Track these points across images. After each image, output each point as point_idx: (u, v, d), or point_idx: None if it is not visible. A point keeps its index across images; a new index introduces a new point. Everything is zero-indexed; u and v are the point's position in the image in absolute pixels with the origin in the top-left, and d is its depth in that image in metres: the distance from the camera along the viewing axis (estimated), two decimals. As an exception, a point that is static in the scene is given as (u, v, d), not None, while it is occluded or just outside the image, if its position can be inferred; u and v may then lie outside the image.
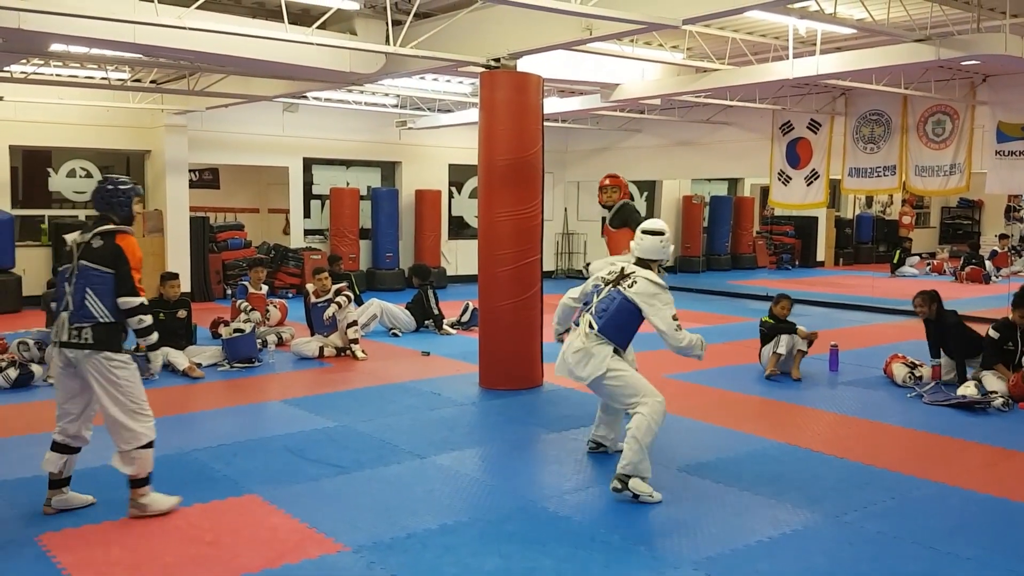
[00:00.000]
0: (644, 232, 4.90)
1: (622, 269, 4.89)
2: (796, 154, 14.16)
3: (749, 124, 14.73)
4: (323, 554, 3.86)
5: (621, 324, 4.80)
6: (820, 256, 20.91)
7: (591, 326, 4.80)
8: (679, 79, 10.65)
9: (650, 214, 19.95)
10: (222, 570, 3.68)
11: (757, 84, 10.12)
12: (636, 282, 4.76)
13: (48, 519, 4.24)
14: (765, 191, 17.22)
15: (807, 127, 13.97)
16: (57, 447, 4.28)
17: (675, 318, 4.75)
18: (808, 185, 14.04)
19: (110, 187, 4.38)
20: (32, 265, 12.17)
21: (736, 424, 6.25)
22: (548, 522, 4.28)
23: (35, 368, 7.36)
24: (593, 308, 4.86)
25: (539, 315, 7.44)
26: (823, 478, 5.07)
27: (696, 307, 13.33)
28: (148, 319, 4.29)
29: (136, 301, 4.21)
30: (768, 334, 8.07)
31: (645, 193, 19.73)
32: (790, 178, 14.32)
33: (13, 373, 7.16)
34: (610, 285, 4.85)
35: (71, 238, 4.40)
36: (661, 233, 4.91)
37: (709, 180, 20.57)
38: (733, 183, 21.48)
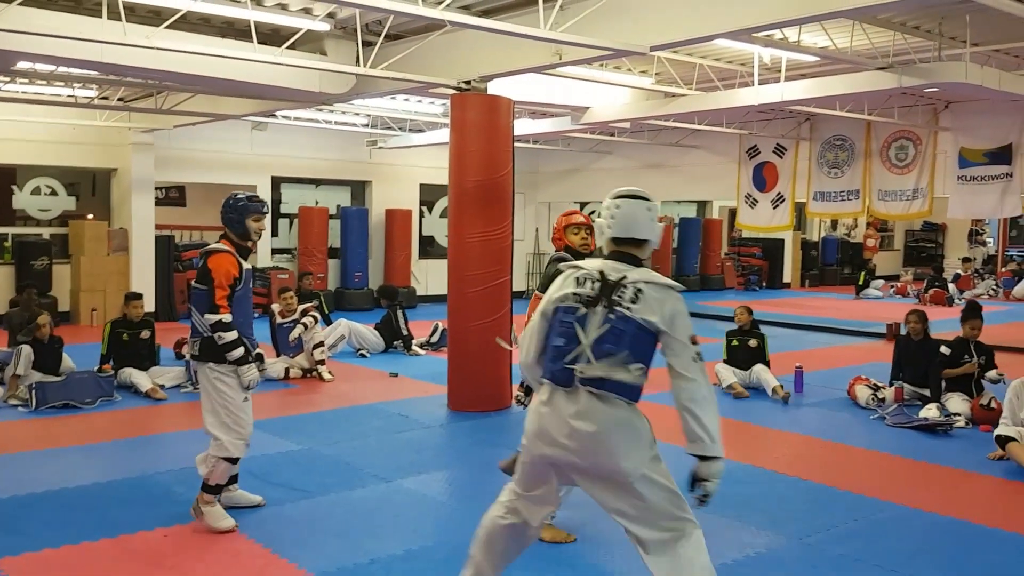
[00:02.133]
0: (621, 198, 3.11)
1: (602, 275, 3.03)
2: (763, 177, 14.37)
3: (717, 148, 14.95)
4: (285, 581, 3.81)
5: (636, 365, 2.98)
6: (787, 278, 21.17)
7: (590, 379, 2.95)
8: (648, 103, 10.78)
9: (620, 235, 20.08)
10: (181, 598, 3.62)
11: (724, 109, 10.27)
12: (641, 291, 2.95)
13: (7, 543, 4.12)
14: (733, 213, 17.43)
15: (773, 151, 14.20)
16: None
17: (694, 341, 3.02)
18: (774, 208, 14.24)
19: (227, 202, 4.50)
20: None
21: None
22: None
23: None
24: (587, 347, 2.95)
25: (508, 336, 7.44)
26: (787, 500, 5.10)
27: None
28: (228, 335, 4.34)
29: (213, 318, 4.33)
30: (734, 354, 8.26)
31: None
32: (757, 201, 14.52)
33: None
34: (599, 305, 2.98)
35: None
36: (646, 199, 3.13)
37: (678, 202, 20.79)
38: (702, 205, 21.73)
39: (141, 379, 7.70)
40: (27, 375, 7.31)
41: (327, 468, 5.58)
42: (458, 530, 4.51)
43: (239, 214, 4.47)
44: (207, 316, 4.36)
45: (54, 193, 13.23)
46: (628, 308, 2.93)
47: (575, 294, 3.03)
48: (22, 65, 8.36)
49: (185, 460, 5.68)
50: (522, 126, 12.81)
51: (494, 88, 7.79)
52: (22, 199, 13.02)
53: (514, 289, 7.74)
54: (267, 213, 4.59)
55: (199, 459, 4.46)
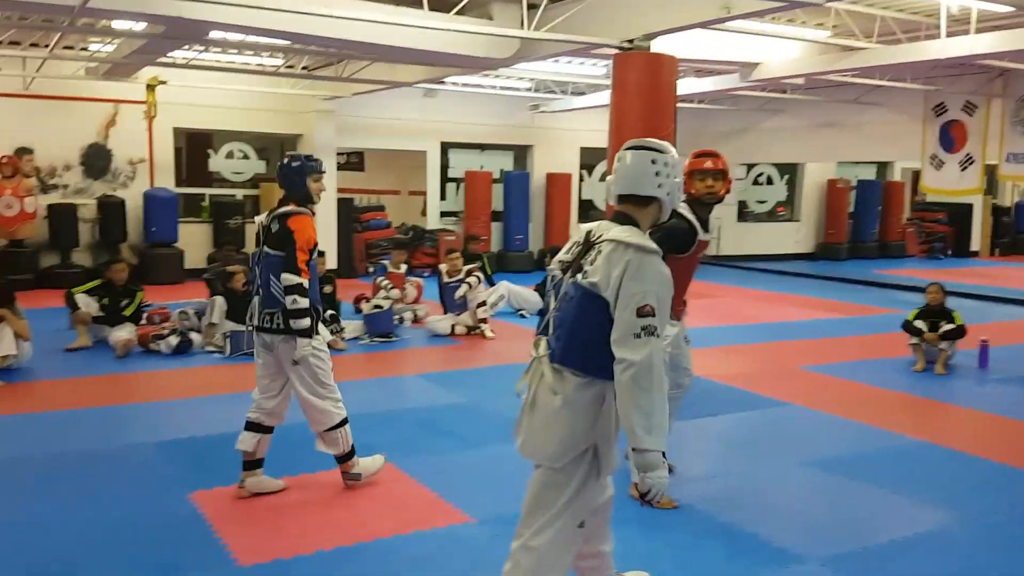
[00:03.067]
0: (629, 149, 2.80)
1: (587, 235, 2.75)
2: (950, 137, 13.31)
3: (899, 105, 13.95)
4: (450, 524, 4.03)
5: (589, 339, 2.63)
6: (974, 245, 19.63)
7: (549, 350, 2.75)
8: (824, 58, 10.22)
9: (791, 199, 19.32)
10: (356, 533, 3.91)
11: (907, 64, 9.58)
12: (600, 251, 2.63)
13: (200, 478, 4.60)
14: (916, 175, 16.31)
15: (962, 109, 13.09)
16: (251, 426, 4.32)
17: (643, 313, 2.51)
18: (963, 170, 13.17)
19: (284, 163, 4.29)
20: (193, 240, 13.11)
21: (874, 420, 6.01)
22: (669, 510, 4.28)
23: (194, 336, 7.94)
24: (551, 317, 2.78)
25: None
26: (965, 479, 4.83)
27: (838, 296, 12.86)
28: (303, 301, 4.08)
29: (294, 280, 4.06)
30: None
31: (786, 176, 19.08)
32: (943, 162, 13.48)
33: (174, 340, 7.76)
34: (568, 273, 2.74)
35: (258, 220, 4.40)
36: (656, 150, 2.75)
37: (856, 163, 19.65)
38: (882, 167, 20.43)
39: (323, 331, 8.23)
40: (221, 324, 8.01)
41: (489, 422, 5.80)
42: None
43: (300, 176, 4.23)
44: (285, 276, 4.07)
45: (246, 157, 14.27)
46: (584, 272, 2.64)
47: (560, 260, 2.81)
48: (215, 35, 9.02)
49: (361, 407, 6.09)
50: (686, 85, 12.49)
51: (657, 46, 7.65)
52: (217, 162, 14.13)
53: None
54: (324, 173, 4.37)
55: (319, 446, 4.36)
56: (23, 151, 11.77)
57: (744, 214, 18.90)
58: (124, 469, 4.75)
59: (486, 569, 3.57)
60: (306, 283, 4.09)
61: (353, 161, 17.13)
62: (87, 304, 7.84)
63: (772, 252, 18.37)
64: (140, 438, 5.35)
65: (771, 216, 19.37)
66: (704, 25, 7.59)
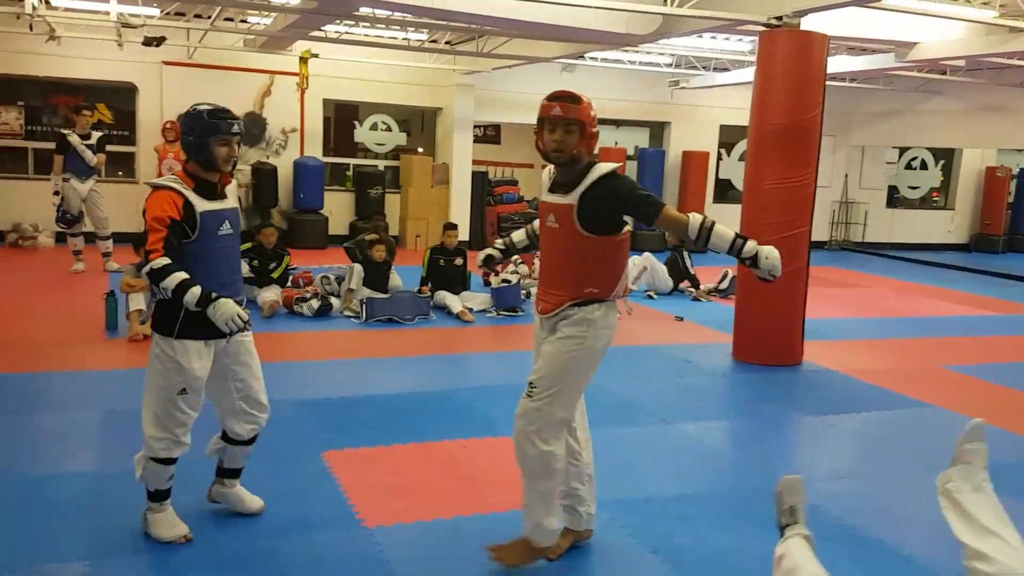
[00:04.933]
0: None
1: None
2: None
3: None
4: (567, 503, 4.08)
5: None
6: None
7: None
8: (989, 39, 9.49)
9: (946, 185, 18.16)
10: (477, 504, 4.03)
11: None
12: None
13: (333, 438, 4.83)
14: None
15: None
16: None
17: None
18: None
19: (185, 117, 3.41)
20: (338, 208, 13.68)
21: (1022, 428, 5.64)
22: (793, 506, 4.18)
23: (334, 301, 8.32)
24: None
25: (803, 289, 7.13)
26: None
27: (992, 292, 12.04)
28: (167, 282, 3.24)
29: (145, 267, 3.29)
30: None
31: (941, 162, 17.92)
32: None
33: (315, 304, 8.15)
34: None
35: None
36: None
37: (1019, 151, 18.22)
38: (1051, 154, 18.85)
39: (453, 302, 8.49)
40: (358, 290, 8.35)
41: (610, 402, 5.80)
42: (735, 480, 4.55)
43: (200, 134, 3.32)
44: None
45: (388, 129, 14.71)
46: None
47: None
48: (364, 10, 9.31)
49: (486, 380, 6.27)
50: (836, 63, 11.89)
51: (808, 23, 7.32)
52: (362, 133, 14.63)
53: (817, 239, 7.36)
54: (238, 135, 3.41)
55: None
56: (185, 118, 12.58)
57: (894, 199, 17.91)
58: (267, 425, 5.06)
59: (599, 550, 3.63)
60: (157, 263, 3.21)
61: (490, 134, 17.35)
62: (237, 265, 8.34)
63: (922, 241, 17.34)
64: (279, 395, 5.60)
65: (923, 203, 18.27)
66: (860, 3, 7.21)
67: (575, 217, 3.27)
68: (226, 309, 3.24)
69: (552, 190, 3.39)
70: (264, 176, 12.90)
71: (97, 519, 3.70)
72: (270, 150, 13.31)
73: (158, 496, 3.53)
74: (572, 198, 3.29)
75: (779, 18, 7.18)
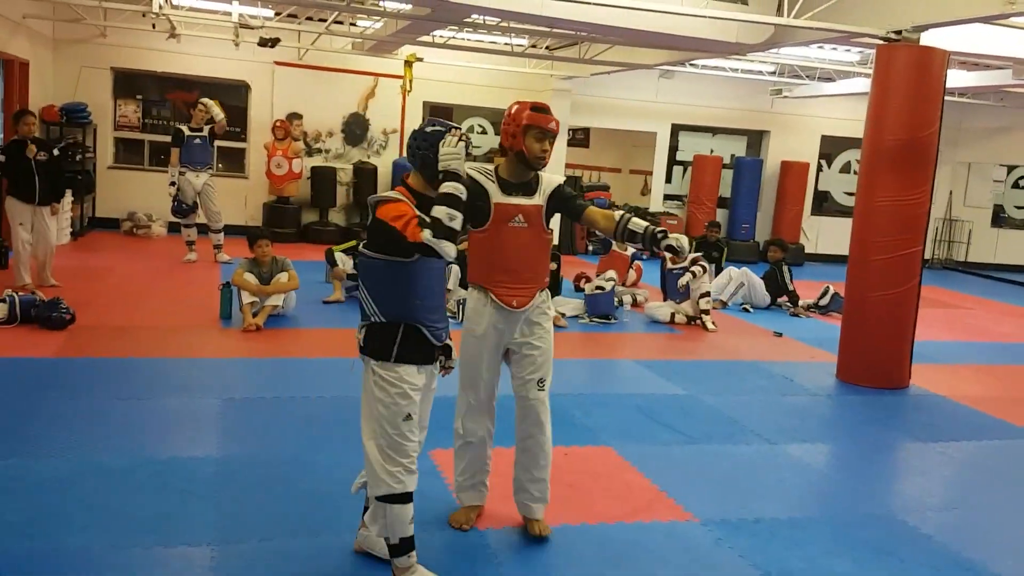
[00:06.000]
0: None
1: None
2: None
3: None
4: (673, 519, 4.08)
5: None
6: None
7: None
8: (1120, 55, 9.02)
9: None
10: (582, 513, 4.06)
11: None
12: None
13: (440, 436, 4.87)
14: None
15: None
16: None
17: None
18: None
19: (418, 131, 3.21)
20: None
21: None
22: (907, 536, 4.08)
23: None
24: None
25: (914, 310, 6.92)
26: None
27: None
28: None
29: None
30: None
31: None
32: None
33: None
34: None
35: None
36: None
37: None
38: None
39: (547, 308, 8.53)
40: (455, 291, 8.48)
41: (710, 418, 5.77)
42: (845, 505, 4.47)
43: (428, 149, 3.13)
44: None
45: (484, 132, 14.89)
46: None
47: None
48: (473, 17, 9.45)
49: (581, 387, 6.30)
50: (951, 78, 11.47)
51: (927, 38, 7.10)
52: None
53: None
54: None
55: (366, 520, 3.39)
56: (294, 116, 13.00)
57: (999, 219, 17.16)
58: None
59: (710, 570, 3.62)
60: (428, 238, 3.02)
61: (579, 137, 17.34)
62: (343, 262, 8.60)
63: (1031, 263, 16.58)
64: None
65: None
66: (984, 20, 6.96)
67: (543, 217, 3.69)
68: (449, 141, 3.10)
69: (508, 192, 3.64)
70: (365, 175, 13.21)
71: (224, 504, 3.89)
72: (371, 150, 13.63)
73: (405, 546, 3.19)
74: (539, 199, 3.68)
75: (898, 32, 6.99)
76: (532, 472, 3.80)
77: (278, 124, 12.51)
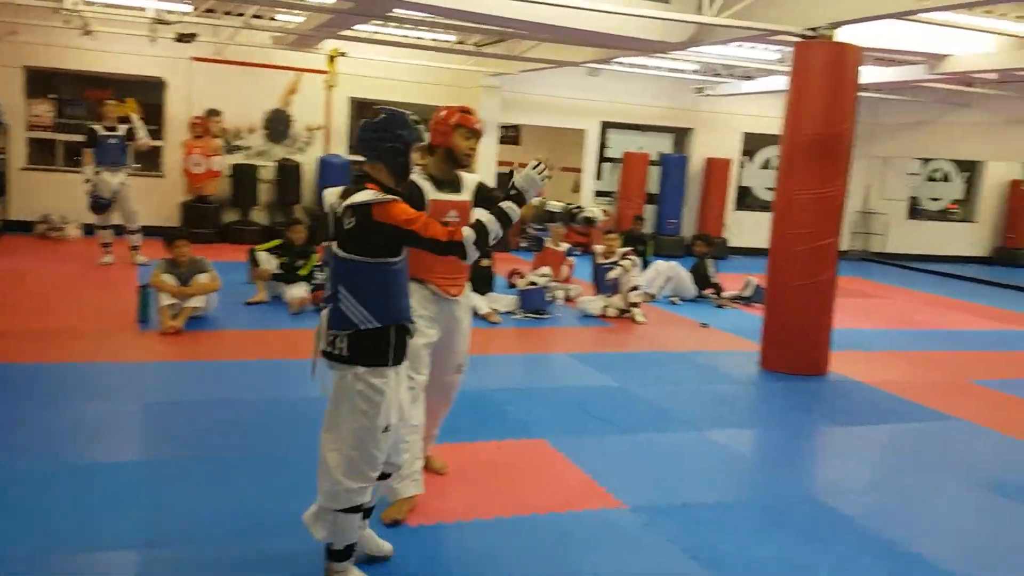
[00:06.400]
0: None
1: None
2: None
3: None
4: (603, 507, 4.11)
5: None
6: None
7: None
8: (1021, 53, 9.46)
9: (968, 197, 18.10)
10: (514, 506, 4.05)
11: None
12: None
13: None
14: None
15: None
16: None
17: None
18: None
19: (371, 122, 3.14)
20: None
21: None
22: (830, 519, 4.19)
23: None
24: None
25: (831, 299, 7.14)
26: None
27: (1017, 307, 11.99)
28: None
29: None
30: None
31: (965, 174, 17.86)
32: None
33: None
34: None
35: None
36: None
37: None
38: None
39: (480, 303, 8.52)
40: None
41: (641, 408, 5.84)
42: (770, 490, 4.58)
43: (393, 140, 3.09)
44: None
45: (415, 128, 14.76)
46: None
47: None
48: (397, 11, 9.35)
49: (515, 382, 6.32)
50: (864, 73, 11.86)
51: (841, 34, 7.33)
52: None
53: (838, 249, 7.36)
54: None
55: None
56: (212, 113, 12.67)
57: (916, 211, 17.86)
58: (302, 420, 5.11)
59: (638, 555, 3.67)
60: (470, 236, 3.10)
61: (510, 135, 17.38)
62: (267, 261, 8.42)
63: (943, 253, 17.29)
64: (312, 393, 5.72)
65: (944, 215, 18.21)
66: (896, 16, 7.22)
67: (470, 212, 3.87)
68: (528, 173, 3.23)
69: (441, 189, 3.85)
70: (288, 172, 12.98)
71: (150, 509, 3.77)
72: (294, 147, 13.39)
73: (349, 551, 3.14)
74: (466, 195, 3.90)
75: (814, 29, 7.20)
76: (437, 419, 4.18)
77: (196, 121, 12.18)
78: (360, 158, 3.15)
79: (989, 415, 6.18)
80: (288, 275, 8.41)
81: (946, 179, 17.88)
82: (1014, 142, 14.55)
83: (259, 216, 13.09)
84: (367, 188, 3.01)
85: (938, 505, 4.53)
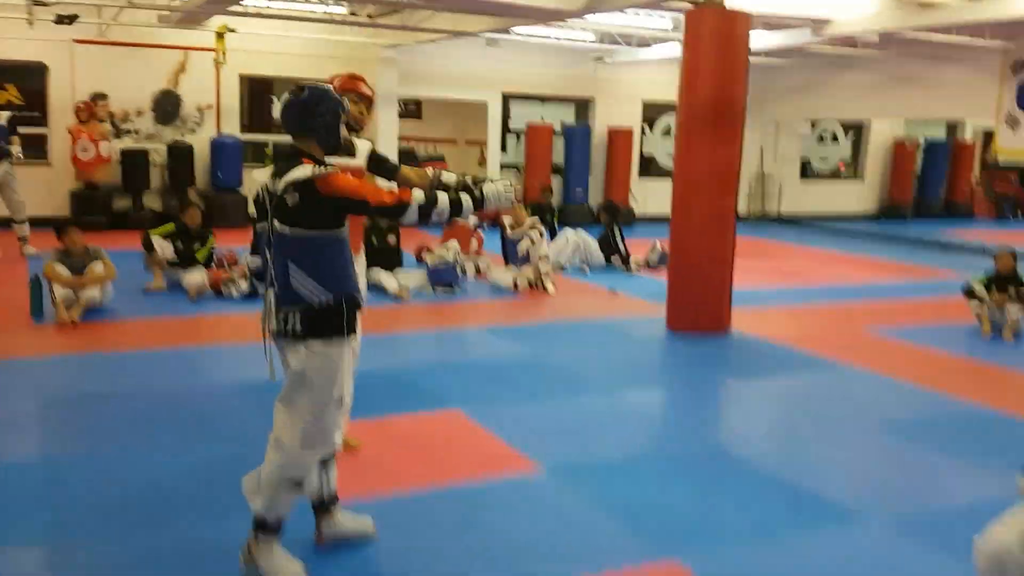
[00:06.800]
0: None
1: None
2: (1030, 97, 12.83)
3: (975, 62, 13.42)
4: (521, 472, 4.19)
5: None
6: (1048, 208, 19.01)
7: None
8: (900, 13, 9.90)
9: (855, 157, 18.89)
10: (432, 477, 4.08)
11: (989, 22, 9.25)
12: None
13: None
14: (989, 136, 15.81)
15: (1045, 66, 12.58)
16: None
17: None
18: (1041, 131, 12.71)
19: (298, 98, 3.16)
20: (257, 186, 13.37)
21: (938, 384, 5.99)
22: (734, 465, 4.39)
23: (264, 282, 8.17)
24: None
25: (730, 260, 7.38)
26: (1028, 446, 4.83)
27: (903, 258, 12.66)
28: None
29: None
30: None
31: (851, 133, 18.64)
32: (1019, 122, 13.03)
33: (244, 285, 8.01)
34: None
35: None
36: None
37: (925, 123, 19.11)
38: (952, 127, 19.83)
39: (388, 280, 8.46)
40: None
41: (555, 375, 5.94)
42: (676, 444, 4.75)
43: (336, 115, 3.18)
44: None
45: (308, 104, 14.40)
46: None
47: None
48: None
49: (428, 357, 6.32)
50: (754, 39, 12.21)
51: (732, 1, 7.51)
52: (278, 108, 14.29)
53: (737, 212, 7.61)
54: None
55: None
56: (98, 96, 12.06)
57: (808, 172, 18.57)
58: (209, 408, 5.01)
59: (555, 515, 3.75)
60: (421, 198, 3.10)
61: (411, 109, 17.19)
62: (162, 247, 8.14)
63: (834, 211, 18.06)
64: (222, 379, 5.61)
65: (834, 175, 19.00)
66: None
67: (365, 176, 3.90)
68: (498, 188, 3.21)
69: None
70: (180, 155, 12.52)
71: (54, 506, 3.64)
72: (185, 128, 12.92)
73: (278, 527, 3.14)
74: (359, 160, 3.91)
75: (705, -5, 7.35)
76: None
77: (81, 106, 11.58)
78: (287, 135, 3.17)
79: (879, 361, 6.53)
80: (185, 260, 8.15)
81: (835, 139, 18.63)
82: (896, 101, 15.24)
83: (152, 201, 12.60)
84: (303, 163, 2.99)
85: (833, 447, 4.78)
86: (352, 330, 3.11)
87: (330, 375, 3.05)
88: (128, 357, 6.05)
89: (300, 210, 2.96)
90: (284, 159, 3.07)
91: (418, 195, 3.04)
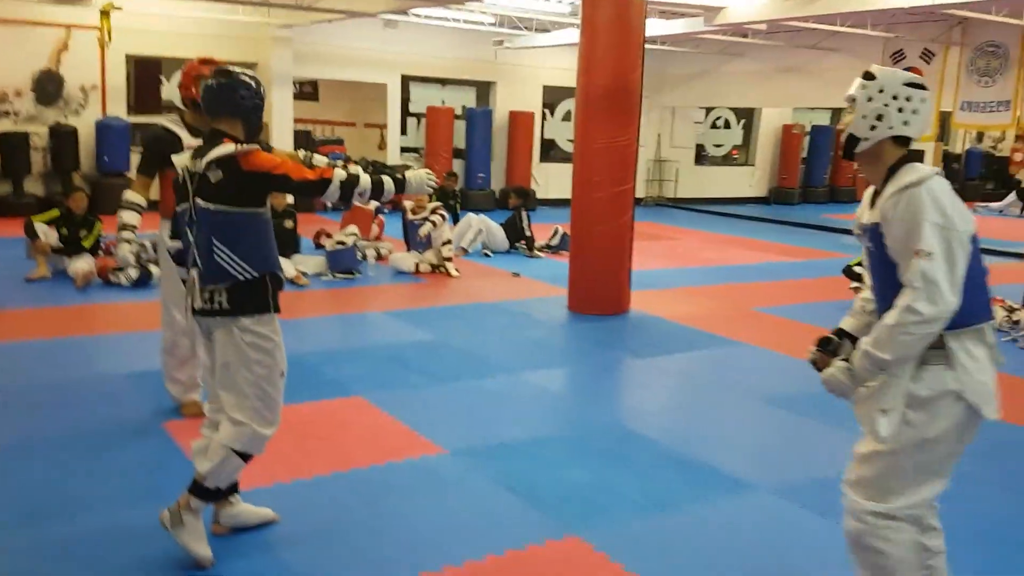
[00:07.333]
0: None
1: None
2: (906, 86, 13.56)
3: (858, 51, 14.12)
4: (424, 455, 4.20)
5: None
6: (924, 192, 20.15)
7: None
8: (788, 3, 10.32)
9: (746, 143, 19.56)
10: (334, 463, 4.05)
11: (870, 11, 9.74)
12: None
13: (172, 408, 4.64)
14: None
15: (920, 56, 13.34)
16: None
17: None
18: (916, 118, 13.46)
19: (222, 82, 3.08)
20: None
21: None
22: (636, 442, 4.51)
23: (153, 269, 7.90)
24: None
25: (629, 243, 7.56)
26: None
27: (790, 240, 13.22)
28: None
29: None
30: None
31: (743, 120, 19.29)
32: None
33: (134, 273, 7.72)
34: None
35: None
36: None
37: (812, 109, 19.95)
38: (837, 113, 20.75)
39: (286, 266, 8.28)
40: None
41: (458, 358, 5.96)
42: (577, 423, 4.85)
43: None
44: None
45: (199, 86, 13.91)
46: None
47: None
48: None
49: (329, 343, 6.24)
50: (650, 27, 12.48)
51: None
52: (170, 90, 13.76)
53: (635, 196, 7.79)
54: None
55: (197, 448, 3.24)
56: (-30, 75, 11.36)
57: (701, 158, 19.13)
58: (97, 399, 4.82)
59: (459, 495, 3.78)
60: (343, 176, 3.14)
61: (307, 91, 16.82)
62: (46, 234, 7.75)
63: (727, 196, 18.69)
64: (110, 369, 5.40)
65: (727, 160, 19.65)
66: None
67: None
68: (420, 174, 3.26)
69: (197, 138, 3.87)
70: (63, 138, 11.93)
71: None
72: (68, 110, 12.28)
73: (217, 495, 3.21)
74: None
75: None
76: None
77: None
78: (209, 115, 3.12)
79: (766, 338, 6.83)
80: (70, 247, 7.78)
81: (727, 126, 19.26)
82: (783, 89, 15.88)
83: (34, 187, 11.96)
84: (224, 143, 2.99)
85: (724, 420, 4.99)
86: (277, 308, 3.14)
87: (267, 351, 3.09)
88: (12, 348, 5.75)
89: (223, 186, 2.97)
90: (207, 140, 3.08)
91: (340, 173, 3.07)
